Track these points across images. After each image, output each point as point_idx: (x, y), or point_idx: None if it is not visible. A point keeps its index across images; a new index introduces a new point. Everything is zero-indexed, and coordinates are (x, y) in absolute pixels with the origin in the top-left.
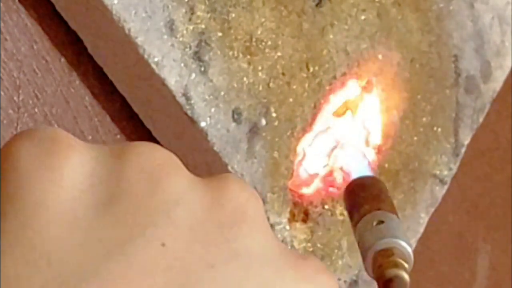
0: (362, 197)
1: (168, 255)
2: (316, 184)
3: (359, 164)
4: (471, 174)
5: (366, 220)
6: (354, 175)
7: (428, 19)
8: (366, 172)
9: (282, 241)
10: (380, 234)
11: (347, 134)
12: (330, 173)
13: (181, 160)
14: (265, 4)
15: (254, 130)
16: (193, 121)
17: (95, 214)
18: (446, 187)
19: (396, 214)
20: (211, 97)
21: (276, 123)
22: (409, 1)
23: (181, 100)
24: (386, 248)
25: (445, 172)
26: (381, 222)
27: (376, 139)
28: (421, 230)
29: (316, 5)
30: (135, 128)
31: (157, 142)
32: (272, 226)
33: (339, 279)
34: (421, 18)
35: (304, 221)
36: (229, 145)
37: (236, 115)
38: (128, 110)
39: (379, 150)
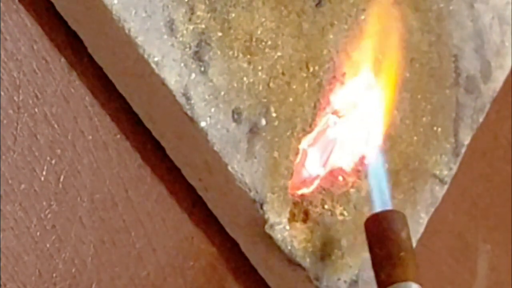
0: (381, 257)
1: None
2: (316, 184)
3: (381, 190)
4: (471, 174)
5: None
6: (375, 203)
7: (428, 19)
8: (387, 202)
9: (282, 241)
10: None
11: (348, 134)
12: (331, 173)
13: (181, 159)
14: (265, 4)
15: (254, 130)
16: (193, 121)
17: None
18: (446, 187)
19: (415, 276)
20: (211, 97)
21: (276, 123)
22: (409, 1)
23: (181, 100)
24: None
25: (445, 172)
26: None
27: (376, 139)
28: (421, 230)
29: (316, 5)
30: (135, 128)
31: (157, 142)
32: (272, 226)
33: (339, 279)
34: (421, 18)
35: (304, 221)
36: (229, 145)
37: (236, 115)
38: (128, 110)
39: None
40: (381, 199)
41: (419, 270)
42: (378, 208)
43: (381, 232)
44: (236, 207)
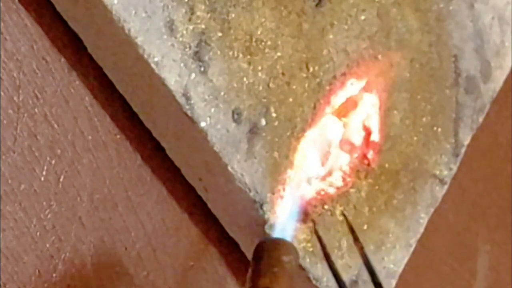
0: (256, 270)
1: None
2: (316, 184)
3: (288, 223)
4: (471, 174)
5: None
6: (276, 230)
7: (428, 19)
8: (287, 234)
9: None
10: None
11: (345, 135)
12: (330, 173)
13: (181, 159)
14: (265, 4)
15: (254, 130)
16: (193, 121)
17: None
18: (446, 187)
19: None
20: (211, 97)
21: (276, 123)
22: (409, 1)
23: (181, 100)
24: None
25: (445, 172)
26: None
27: (376, 139)
28: (421, 230)
29: (316, 5)
30: (135, 128)
31: (157, 142)
32: (272, 226)
33: None
34: (421, 18)
35: (304, 221)
36: (229, 145)
37: (236, 115)
38: (128, 110)
39: (379, 150)
40: (283, 230)
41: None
42: (276, 235)
43: (265, 251)
44: (236, 207)
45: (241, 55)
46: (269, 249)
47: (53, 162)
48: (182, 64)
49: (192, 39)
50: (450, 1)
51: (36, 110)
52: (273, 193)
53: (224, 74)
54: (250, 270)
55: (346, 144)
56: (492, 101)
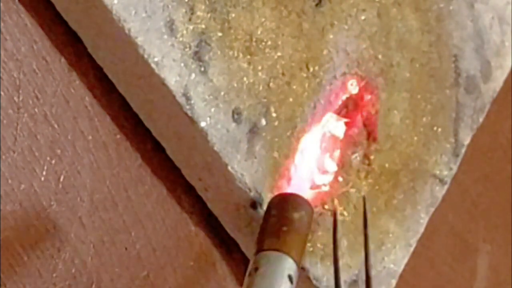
0: (265, 227)
1: None
2: (316, 184)
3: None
4: (471, 174)
5: (254, 261)
6: (292, 186)
7: (428, 19)
8: (303, 190)
9: None
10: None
11: (345, 135)
12: (330, 173)
13: (181, 159)
14: (265, 4)
15: (254, 130)
16: (193, 121)
17: None
18: (446, 187)
19: (290, 250)
20: (211, 97)
21: (276, 123)
22: (409, 1)
23: (181, 100)
24: None
25: (445, 172)
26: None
27: (376, 139)
28: (421, 230)
29: (316, 5)
30: (135, 128)
31: (157, 142)
32: None
33: None
34: (421, 18)
35: None
36: (229, 145)
37: (236, 115)
38: (128, 110)
39: (379, 150)
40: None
41: (300, 248)
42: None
43: (275, 208)
44: (236, 207)
45: (241, 55)
46: (279, 205)
47: (53, 162)
48: (182, 64)
49: (192, 39)
50: (450, 1)
51: (36, 110)
52: (273, 193)
53: (224, 74)
54: (259, 230)
55: (346, 144)
56: (492, 101)
